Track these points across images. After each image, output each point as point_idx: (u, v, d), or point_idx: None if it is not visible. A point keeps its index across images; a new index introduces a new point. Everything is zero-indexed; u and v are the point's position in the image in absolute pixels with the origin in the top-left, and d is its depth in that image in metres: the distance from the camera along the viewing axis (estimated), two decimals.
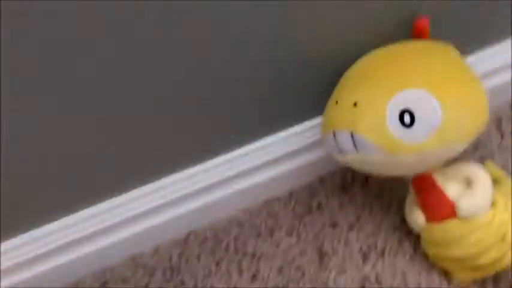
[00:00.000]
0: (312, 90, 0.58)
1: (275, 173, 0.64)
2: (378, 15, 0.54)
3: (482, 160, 0.62)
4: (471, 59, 0.61)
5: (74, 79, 0.48)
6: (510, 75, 0.66)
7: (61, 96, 0.49)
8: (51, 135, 0.52)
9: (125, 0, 0.44)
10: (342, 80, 0.51)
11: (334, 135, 0.49)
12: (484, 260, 0.48)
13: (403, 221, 0.58)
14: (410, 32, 0.53)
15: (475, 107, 0.46)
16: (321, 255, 0.60)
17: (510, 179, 0.57)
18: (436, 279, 0.55)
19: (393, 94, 0.45)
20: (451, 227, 0.49)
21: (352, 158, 0.49)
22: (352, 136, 0.47)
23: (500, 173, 0.58)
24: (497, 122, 0.66)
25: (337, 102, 0.49)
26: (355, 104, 0.47)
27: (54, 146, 0.53)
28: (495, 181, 0.56)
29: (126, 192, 0.60)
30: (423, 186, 0.51)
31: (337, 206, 0.64)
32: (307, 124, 0.62)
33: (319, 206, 0.64)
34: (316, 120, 0.61)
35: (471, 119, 0.46)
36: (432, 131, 0.44)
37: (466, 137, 0.46)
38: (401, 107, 0.45)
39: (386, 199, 0.63)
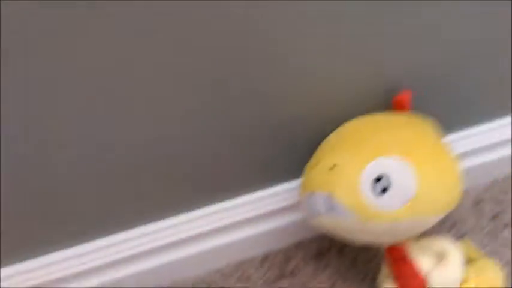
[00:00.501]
0: (294, 152, 0.59)
1: (251, 233, 0.63)
2: (361, 87, 0.57)
3: (459, 238, 0.62)
4: (452, 137, 0.63)
5: None
6: (490, 156, 0.67)
7: None
8: None
9: None
10: (323, 143, 0.52)
11: (311, 197, 0.49)
12: None
13: None
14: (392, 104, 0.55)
15: (450, 181, 0.46)
16: None
17: (485, 259, 0.56)
18: None
19: (370, 160, 0.46)
20: None
21: (326, 221, 0.49)
22: (328, 198, 0.47)
23: (476, 252, 0.58)
24: (475, 202, 0.67)
25: (316, 164, 0.50)
26: (333, 167, 0.47)
27: None
28: (471, 259, 0.56)
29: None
30: (395, 257, 0.51)
31: (311, 273, 0.62)
32: (286, 186, 0.62)
33: (293, 271, 0.63)
34: (296, 183, 0.61)
35: (445, 192, 0.46)
36: (406, 200, 0.45)
37: (439, 209, 0.46)
38: (377, 174, 0.45)
39: (362, 268, 0.61)
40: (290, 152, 0.60)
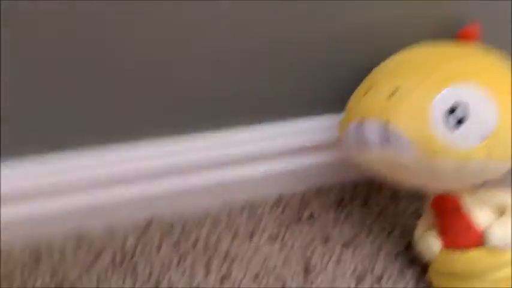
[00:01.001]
0: (330, 84, 0.52)
1: (266, 170, 0.56)
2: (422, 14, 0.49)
3: None
4: None
5: None
6: None
7: None
8: None
9: None
10: (377, 70, 0.45)
11: (360, 126, 0.41)
12: None
13: (407, 248, 0.51)
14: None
15: None
16: (307, 269, 0.51)
17: None
18: None
19: (443, 87, 0.38)
20: (475, 257, 0.42)
21: (376, 156, 0.41)
22: (384, 128, 0.39)
23: None
24: None
25: (366, 92, 0.42)
26: (394, 92, 0.40)
27: None
28: None
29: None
30: (445, 209, 0.44)
31: (331, 221, 0.56)
32: (311, 123, 0.55)
33: (311, 216, 0.56)
34: (325, 120, 0.54)
35: None
36: (483, 136, 0.38)
37: None
38: (452, 103, 0.38)
39: (389, 222, 0.55)
40: (325, 83, 0.52)
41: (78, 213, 0.51)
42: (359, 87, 0.45)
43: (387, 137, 0.40)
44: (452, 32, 0.47)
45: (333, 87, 0.52)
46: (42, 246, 0.51)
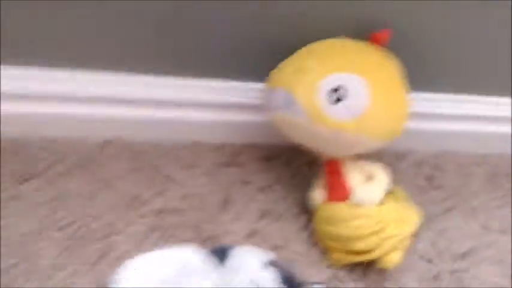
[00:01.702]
0: (271, 57, 0.59)
1: (218, 119, 0.66)
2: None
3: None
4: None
5: None
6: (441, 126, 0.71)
7: None
8: None
9: None
10: (297, 52, 0.55)
11: (273, 92, 0.53)
12: (358, 245, 0.53)
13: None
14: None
15: (398, 113, 0.51)
16: (225, 201, 0.63)
17: (409, 203, 0.62)
18: (314, 254, 0.59)
19: (333, 71, 0.49)
20: (340, 208, 0.54)
21: (281, 116, 0.53)
22: (288, 95, 0.51)
23: (403, 195, 0.63)
24: (418, 163, 0.72)
25: (285, 65, 0.53)
26: (299, 70, 0.51)
27: None
28: (397, 199, 0.61)
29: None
30: (331, 169, 0.56)
31: (256, 170, 0.67)
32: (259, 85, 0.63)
33: (240, 164, 0.67)
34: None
35: (391, 121, 0.50)
36: (355, 114, 0.49)
37: (381, 134, 0.51)
38: (336, 84, 0.49)
39: (301, 179, 0.66)
40: (267, 56, 0.60)
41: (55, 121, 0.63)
42: (282, 62, 0.55)
43: (289, 102, 0.51)
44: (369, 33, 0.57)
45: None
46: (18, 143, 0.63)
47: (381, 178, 0.54)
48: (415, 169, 0.71)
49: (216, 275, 0.37)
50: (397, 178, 0.68)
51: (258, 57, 0.61)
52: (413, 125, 0.67)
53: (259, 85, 0.61)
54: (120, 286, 0.37)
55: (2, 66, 0.59)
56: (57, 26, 0.58)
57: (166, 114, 0.65)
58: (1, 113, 0.60)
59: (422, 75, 0.64)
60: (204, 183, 0.64)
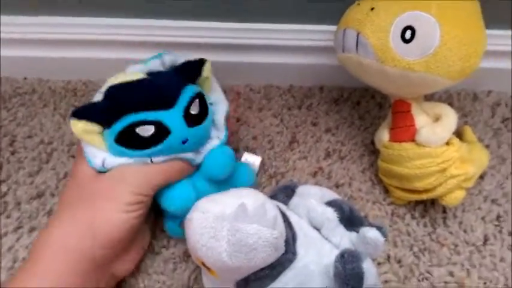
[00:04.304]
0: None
1: (288, 61, 0.65)
2: None
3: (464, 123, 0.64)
4: None
5: None
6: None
7: None
8: None
9: None
10: None
11: (344, 32, 0.50)
12: (421, 184, 0.51)
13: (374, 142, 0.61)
14: None
15: (470, 51, 0.46)
16: (293, 140, 0.63)
17: (478, 143, 0.58)
18: (376, 191, 0.58)
19: (405, 11, 0.46)
20: (405, 148, 0.51)
21: (350, 57, 0.50)
22: (357, 36, 0.48)
23: (472, 137, 0.60)
24: (496, 103, 0.67)
25: (357, 5, 0.51)
26: (371, 10, 0.48)
27: None
28: (466, 140, 0.58)
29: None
30: (399, 109, 0.53)
31: (323, 112, 0.66)
32: (327, 28, 0.61)
33: (310, 106, 0.67)
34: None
35: (462, 60, 0.46)
36: (424, 54, 0.46)
37: (452, 73, 0.47)
38: (407, 24, 0.46)
39: (368, 122, 0.65)
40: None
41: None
42: (354, 3, 0.53)
43: (360, 42, 0.49)
44: None
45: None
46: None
47: (448, 119, 0.50)
48: (491, 110, 0.66)
49: (270, 220, 0.38)
50: (472, 119, 0.65)
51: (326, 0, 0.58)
52: (491, 64, 0.63)
53: (330, 27, 0.58)
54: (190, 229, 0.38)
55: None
56: None
57: (237, 58, 0.65)
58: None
59: (502, 12, 0.59)
60: (274, 124, 0.64)
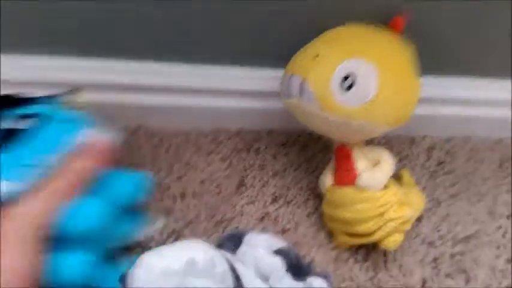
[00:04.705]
0: (287, 44, 0.57)
1: (232, 105, 0.65)
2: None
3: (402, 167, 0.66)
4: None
5: None
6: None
7: None
8: None
9: None
10: (316, 39, 0.53)
11: (290, 78, 0.51)
12: (361, 228, 0.52)
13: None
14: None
15: (406, 100, 0.49)
16: (240, 184, 0.63)
17: (415, 187, 0.61)
18: (321, 235, 0.58)
19: (346, 58, 0.48)
20: (347, 192, 0.52)
21: (294, 103, 0.52)
22: (302, 82, 0.50)
23: (410, 180, 0.62)
24: (431, 147, 0.70)
25: (303, 52, 0.52)
26: (315, 57, 0.49)
27: None
28: (403, 183, 0.60)
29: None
30: (340, 154, 0.54)
31: (271, 155, 0.66)
32: (273, 73, 0.61)
33: (258, 150, 0.67)
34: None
35: (399, 108, 0.49)
36: (363, 102, 0.47)
37: (389, 121, 0.49)
38: (347, 71, 0.47)
39: (314, 165, 0.65)
40: (283, 43, 0.58)
41: None
42: (300, 49, 0.53)
43: (303, 89, 0.50)
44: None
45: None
46: None
47: (386, 164, 0.52)
48: (427, 154, 0.69)
49: (219, 274, 0.37)
50: (409, 163, 0.67)
51: (276, 44, 0.60)
52: (426, 110, 0.66)
53: (277, 72, 0.59)
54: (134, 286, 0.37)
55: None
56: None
57: (187, 101, 0.65)
58: None
59: (433, 59, 0.62)
60: (222, 168, 0.64)
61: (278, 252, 0.44)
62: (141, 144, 0.65)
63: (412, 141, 0.70)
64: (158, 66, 0.62)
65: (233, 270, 0.41)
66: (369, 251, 0.57)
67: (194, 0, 0.56)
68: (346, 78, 0.47)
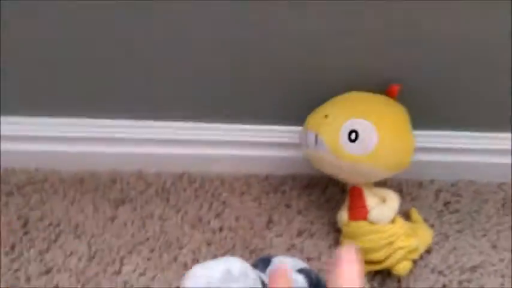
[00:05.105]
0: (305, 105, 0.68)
1: (265, 155, 0.75)
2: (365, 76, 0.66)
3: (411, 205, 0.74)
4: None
5: None
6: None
7: None
8: None
9: None
10: (327, 102, 0.65)
11: (307, 133, 0.63)
12: (374, 256, 0.61)
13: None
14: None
15: (403, 149, 0.59)
16: (269, 221, 0.72)
17: (423, 223, 0.69)
18: None
19: (351, 117, 0.59)
20: (360, 225, 0.62)
21: (312, 153, 0.63)
22: (316, 136, 0.61)
23: (418, 218, 0.71)
24: (438, 190, 0.77)
25: (316, 112, 0.64)
26: (326, 116, 0.61)
27: None
28: (411, 219, 0.69)
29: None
30: (353, 194, 0.64)
31: (295, 196, 0.76)
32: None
33: (284, 191, 0.76)
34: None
35: (397, 156, 0.59)
36: (367, 151, 0.58)
37: (390, 166, 0.59)
38: (351, 128, 0.58)
39: (333, 204, 0.74)
40: (301, 106, 0.69)
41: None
42: (314, 111, 0.65)
43: (317, 142, 0.61)
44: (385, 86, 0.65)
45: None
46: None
47: (392, 202, 0.62)
48: (434, 196, 0.76)
49: (251, 281, 0.43)
50: (418, 203, 0.75)
51: (296, 107, 0.70)
52: (434, 157, 0.74)
53: (297, 128, 0.70)
54: None
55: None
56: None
57: (225, 152, 0.76)
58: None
59: (441, 117, 0.70)
60: (253, 207, 0.74)
61: (301, 271, 0.53)
62: (185, 187, 0.76)
63: (420, 184, 0.77)
64: (197, 125, 0.74)
65: (263, 284, 0.49)
66: (384, 277, 0.65)
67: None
68: (351, 132, 0.58)
